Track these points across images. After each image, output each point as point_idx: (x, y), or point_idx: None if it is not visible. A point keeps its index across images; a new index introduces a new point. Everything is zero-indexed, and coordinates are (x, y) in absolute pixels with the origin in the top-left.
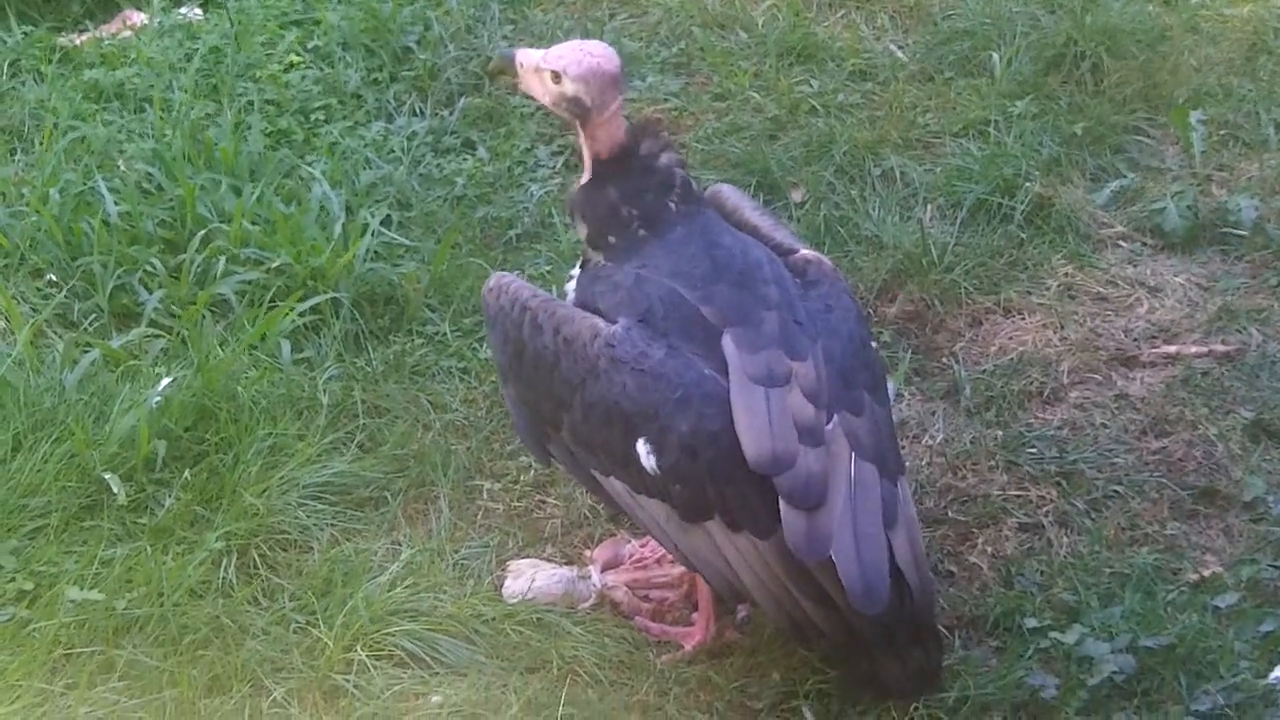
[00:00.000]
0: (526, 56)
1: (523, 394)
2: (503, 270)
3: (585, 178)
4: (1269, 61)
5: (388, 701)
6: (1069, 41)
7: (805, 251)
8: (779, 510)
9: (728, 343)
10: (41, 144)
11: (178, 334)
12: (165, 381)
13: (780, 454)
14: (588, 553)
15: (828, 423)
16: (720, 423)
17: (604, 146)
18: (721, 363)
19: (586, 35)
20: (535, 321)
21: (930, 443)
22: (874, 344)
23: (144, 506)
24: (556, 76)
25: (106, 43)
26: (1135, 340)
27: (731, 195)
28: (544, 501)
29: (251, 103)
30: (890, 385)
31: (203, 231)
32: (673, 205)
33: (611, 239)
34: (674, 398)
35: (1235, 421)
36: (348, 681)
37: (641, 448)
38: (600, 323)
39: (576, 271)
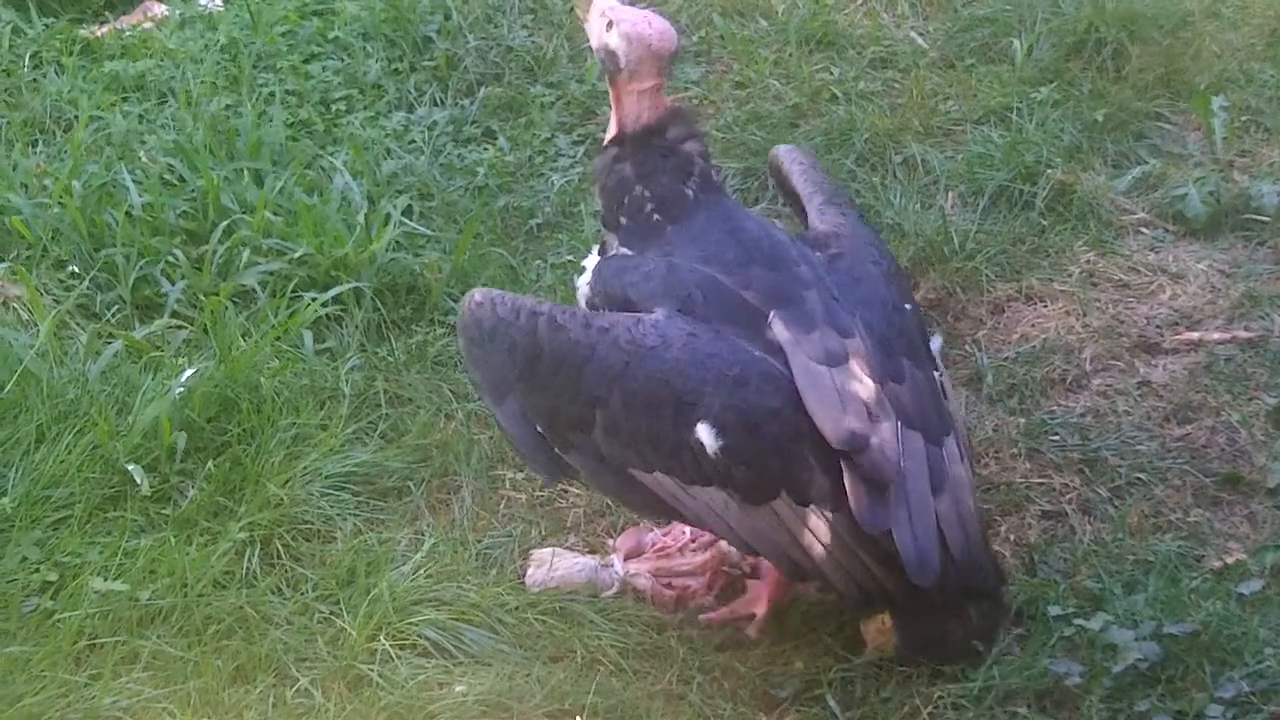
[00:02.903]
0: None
1: (535, 403)
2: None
3: (607, 138)
4: None
5: (412, 690)
6: (1090, 27)
7: (821, 225)
8: (842, 482)
9: (778, 326)
10: (65, 136)
11: (200, 325)
12: (188, 372)
13: (857, 432)
14: (610, 541)
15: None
16: (780, 400)
17: (627, 118)
18: (767, 346)
19: (609, 24)
20: (554, 321)
21: None
22: (908, 305)
23: (167, 497)
24: (610, 25)
25: (127, 34)
26: (1158, 327)
27: (786, 158)
28: (566, 491)
29: (272, 94)
30: (935, 341)
31: (225, 222)
32: (690, 192)
33: (624, 220)
34: (732, 375)
35: (1258, 407)
36: (372, 671)
37: (703, 430)
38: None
39: (589, 264)
